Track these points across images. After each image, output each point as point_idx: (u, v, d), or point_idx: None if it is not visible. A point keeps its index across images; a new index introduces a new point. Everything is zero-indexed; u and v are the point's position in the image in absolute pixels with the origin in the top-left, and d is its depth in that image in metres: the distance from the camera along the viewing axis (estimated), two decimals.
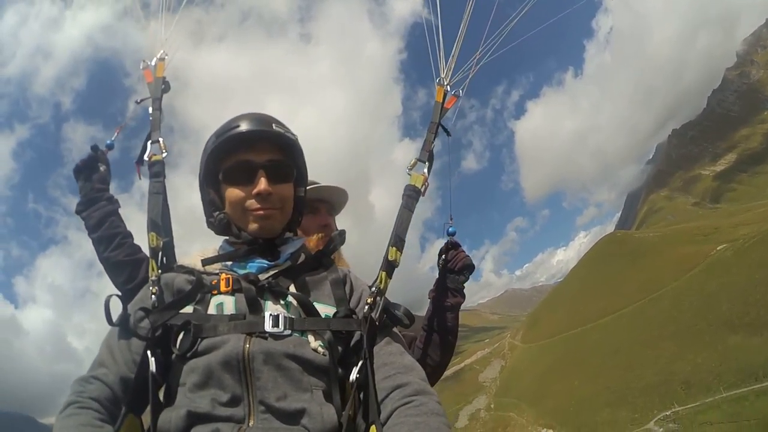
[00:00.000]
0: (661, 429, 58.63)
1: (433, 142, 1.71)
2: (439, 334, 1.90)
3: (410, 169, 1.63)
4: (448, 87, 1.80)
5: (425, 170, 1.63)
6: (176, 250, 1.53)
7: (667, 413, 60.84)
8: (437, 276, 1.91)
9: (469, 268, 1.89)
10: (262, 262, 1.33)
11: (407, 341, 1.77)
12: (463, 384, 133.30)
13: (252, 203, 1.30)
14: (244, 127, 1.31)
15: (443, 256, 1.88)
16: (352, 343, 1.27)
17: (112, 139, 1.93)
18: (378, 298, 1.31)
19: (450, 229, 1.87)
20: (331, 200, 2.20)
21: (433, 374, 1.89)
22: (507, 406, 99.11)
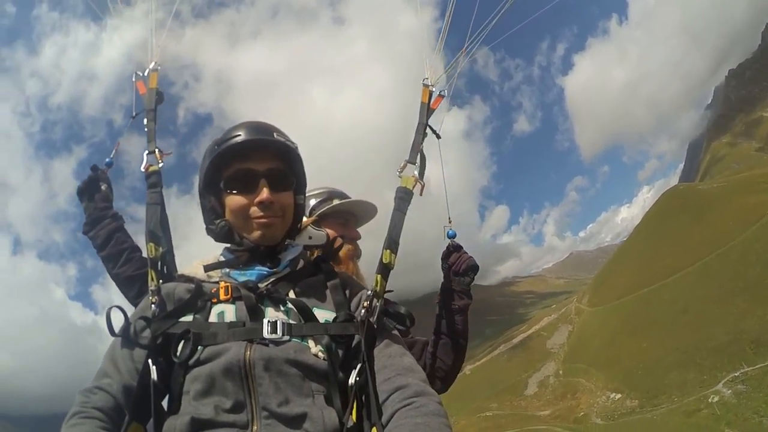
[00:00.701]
0: (730, 390, 58.13)
1: (421, 143, 1.71)
2: (449, 338, 1.89)
3: (400, 172, 1.63)
4: (433, 87, 1.80)
5: (416, 172, 1.63)
6: (177, 260, 1.55)
7: (736, 374, 59.64)
8: (443, 279, 1.91)
9: (473, 269, 1.88)
10: (262, 270, 1.37)
11: (419, 346, 1.92)
12: (531, 351, 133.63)
13: (255, 211, 1.33)
14: (244, 135, 1.33)
15: (446, 260, 1.88)
16: (353, 346, 1.28)
17: (111, 156, 1.98)
18: (375, 300, 1.33)
19: (450, 232, 1.86)
20: (358, 214, 2.21)
21: (446, 378, 1.91)
22: (576, 372, 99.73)
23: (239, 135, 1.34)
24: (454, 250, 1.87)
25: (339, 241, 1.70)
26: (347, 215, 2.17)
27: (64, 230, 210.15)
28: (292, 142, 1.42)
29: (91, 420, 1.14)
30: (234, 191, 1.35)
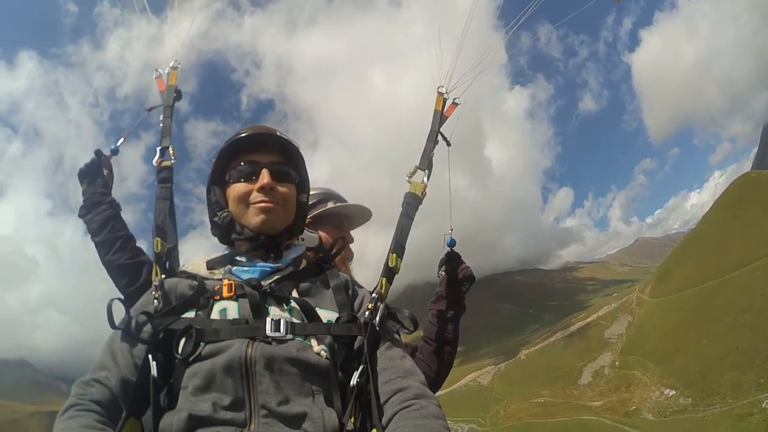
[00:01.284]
0: None
1: (432, 150, 1.73)
2: (439, 346, 1.89)
3: (410, 177, 1.67)
4: (447, 95, 1.83)
5: (425, 178, 1.67)
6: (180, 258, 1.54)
7: None
8: (438, 286, 1.95)
9: (469, 279, 1.90)
10: (265, 266, 1.39)
11: (409, 350, 1.82)
12: (588, 340, 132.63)
13: (255, 196, 1.38)
14: (249, 132, 1.43)
15: (443, 267, 1.91)
16: (355, 347, 1.30)
17: (118, 144, 1.98)
18: (379, 303, 1.36)
19: (449, 240, 1.86)
20: (353, 217, 2.24)
21: (432, 386, 1.84)
22: (632, 364, 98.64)
23: (245, 133, 1.43)
24: (452, 258, 1.88)
25: (340, 243, 1.68)
26: (342, 218, 2.16)
27: (134, 211, 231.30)
28: (295, 142, 1.49)
29: (88, 413, 1.11)
30: (238, 180, 1.41)
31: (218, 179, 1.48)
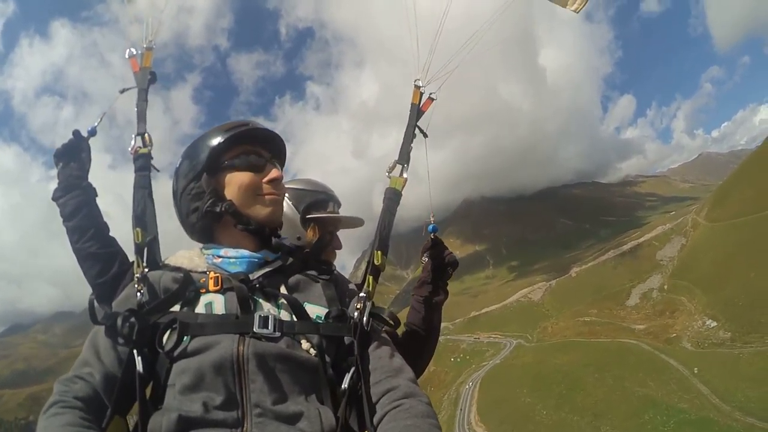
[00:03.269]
0: None
1: (410, 144, 1.76)
2: (422, 332, 1.91)
3: (389, 173, 1.67)
4: (424, 89, 1.85)
5: (405, 174, 1.69)
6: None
7: None
8: (422, 272, 1.94)
9: (452, 265, 1.92)
10: (253, 257, 1.33)
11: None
12: (640, 260, 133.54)
13: (266, 187, 1.36)
14: (258, 126, 1.40)
15: (426, 253, 1.91)
16: (345, 345, 1.29)
17: (95, 125, 1.89)
18: (367, 302, 1.34)
19: (431, 227, 1.90)
20: (347, 224, 2.20)
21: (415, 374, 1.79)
22: (680, 290, 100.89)
23: (249, 125, 1.38)
24: (436, 244, 1.88)
25: (329, 237, 1.70)
26: (337, 224, 2.13)
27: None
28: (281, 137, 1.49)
29: (72, 410, 1.08)
30: (244, 169, 1.35)
31: (212, 168, 1.37)
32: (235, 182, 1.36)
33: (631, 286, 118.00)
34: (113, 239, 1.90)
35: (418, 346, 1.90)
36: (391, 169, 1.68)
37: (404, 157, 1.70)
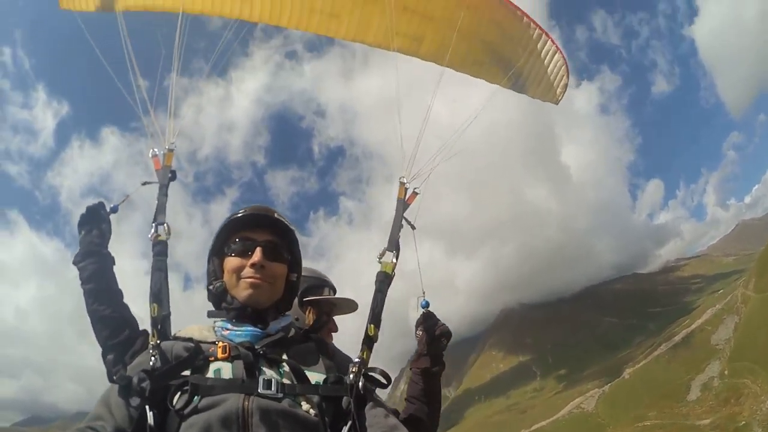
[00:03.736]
0: None
1: (398, 234, 1.96)
2: (423, 404, 1.98)
3: (380, 258, 1.90)
4: (408, 184, 2.09)
5: (393, 258, 1.91)
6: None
7: None
8: (417, 346, 2.04)
9: (446, 335, 2.01)
10: (255, 330, 1.49)
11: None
12: (694, 349, 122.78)
13: (247, 272, 1.51)
14: (249, 212, 1.58)
15: (420, 327, 2.02)
16: (342, 407, 1.42)
17: (118, 204, 2.15)
18: (362, 368, 1.50)
19: (423, 302, 2.02)
20: (341, 307, 2.35)
21: None
22: (741, 372, 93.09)
23: (244, 211, 1.57)
24: (428, 317, 2.00)
25: (326, 318, 1.86)
26: (332, 307, 2.28)
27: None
28: (291, 224, 1.62)
29: None
30: (233, 254, 1.53)
31: (218, 251, 1.58)
32: (227, 266, 1.54)
33: (689, 378, 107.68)
34: (126, 306, 2.05)
35: (419, 417, 1.96)
36: (382, 255, 1.89)
37: (392, 245, 1.92)
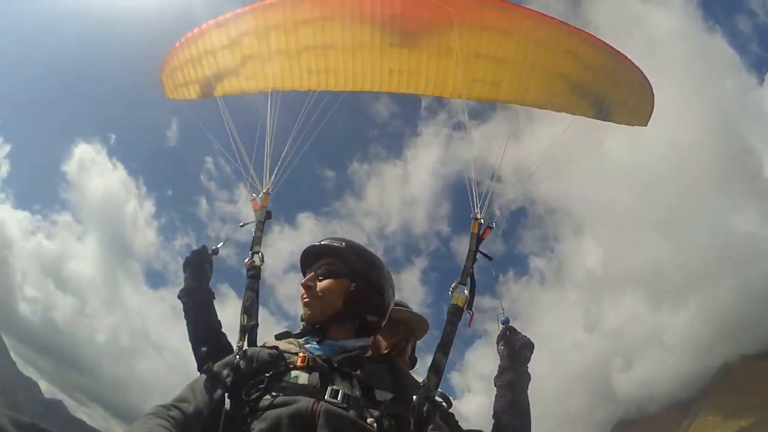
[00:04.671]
0: None
1: (472, 268, 2.04)
2: (511, 417, 1.96)
3: (452, 291, 1.95)
4: (482, 220, 2.20)
5: (466, 291, 1.97)
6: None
7: None
8: (500, 361, 2.08)
9: (528, 347, 2.05)
10: (333, 344, 1.66)
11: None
12: None
13: (302, 295, 1.74)
14: (303, 252, 1.82)
15: (501, 342, 2.10)
16: (403, 428, 1.48)
17: (218, 246, 2.43)
18: (425, 390, 1.60)
19: (503, 319, 2.14)
20: (410, 324, 2.36)
21: None
22: None
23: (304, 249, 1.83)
24: (509, 331, 2.09)
25: (404, 342, 1.91)
26: (396, 324, 2.24)
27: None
28: (338, 243, 1.80)
29: (164, 421, 1.36)
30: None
31: None
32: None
33: None
34: (222, 335, 2.26)
35: (507, 429, 1.94)
36: (454, 289, 1.97)
37: (465, 279, 2.01)
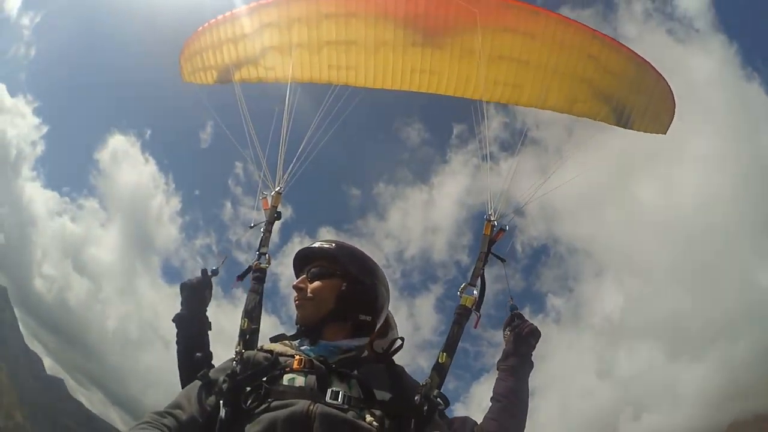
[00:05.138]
0: None
1: (482, 269, 2.07)
2: (510, 402, 1.92)
3: (461, 292, 1.97)
4: (495, 222, 2.22)
5: (475, 292, 1.98)
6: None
7: None
8: (506, 345, 2.05)
9: (535, 335, 2.01)
10: (329, 345, 1.65)
11: (470, 424, 1.93)
12: None
13: (294, 297, 1.75)
14: (296, 254, 1.83)
15: (508, 327, 2.07)
16: (403, 427, 1.48)
17: (218, 267, 2.33)
18: (426, 389, 1.61)
19: (511, 306, 2.13)
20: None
21: None
22: None
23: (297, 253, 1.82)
24: (516, 317, 2.07)
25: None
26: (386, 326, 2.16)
27: (429, 356, 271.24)
28: (329, 245, 1.82)
29: (158, 429, 1.35)
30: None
31: None
32: None
33: None
34: (212, 367, 2.00)
35: (505, 415, 1.89)
36: (463, 290, 1.99)
37: (475, 280, 2.03)
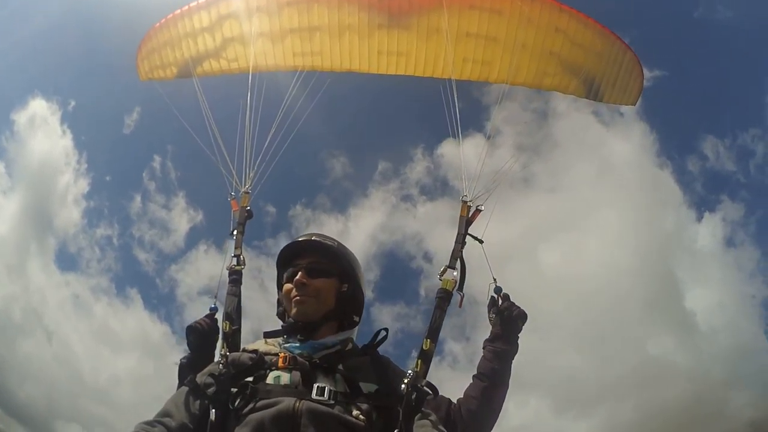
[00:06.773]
0: None
1: (461, 251, 2.09)
2: (491, 382, 1.94)
3: (441, 276, 1.99)
4: (471, 203, 2.24)
5: (455, 273, 2.00)
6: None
7: None
8: (492, 327, 2.06)
9: (522, 317, 2.04)
10: (314, 343, 1.63)
11: (445, 403, 1.95)
12: None
13: (293, 292, 1.69)
14: (292, 243, 1.81)
15: (493, 309, 2.09)
16: (392, 417, 1.49)
17: (215, 305, 2.24)
18: (413, 379, 1.59)
19: (495, 288, 2.14)
20: None
21: (480, 421, 1.91)
22: None
23: (283, 249, 1.79)
24: (503, 299, 2.08)
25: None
26: None
27: None
28: (331, 242, 1.80)
29: None
30: (286, 281, 1.74)
31: (280, 284, 1.81)
32: (283, 292, 1.76)
33: None
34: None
35: (485, 394, 1.93)
36: (442, 273, 2.00)
37: (454, 262, 2.06)
